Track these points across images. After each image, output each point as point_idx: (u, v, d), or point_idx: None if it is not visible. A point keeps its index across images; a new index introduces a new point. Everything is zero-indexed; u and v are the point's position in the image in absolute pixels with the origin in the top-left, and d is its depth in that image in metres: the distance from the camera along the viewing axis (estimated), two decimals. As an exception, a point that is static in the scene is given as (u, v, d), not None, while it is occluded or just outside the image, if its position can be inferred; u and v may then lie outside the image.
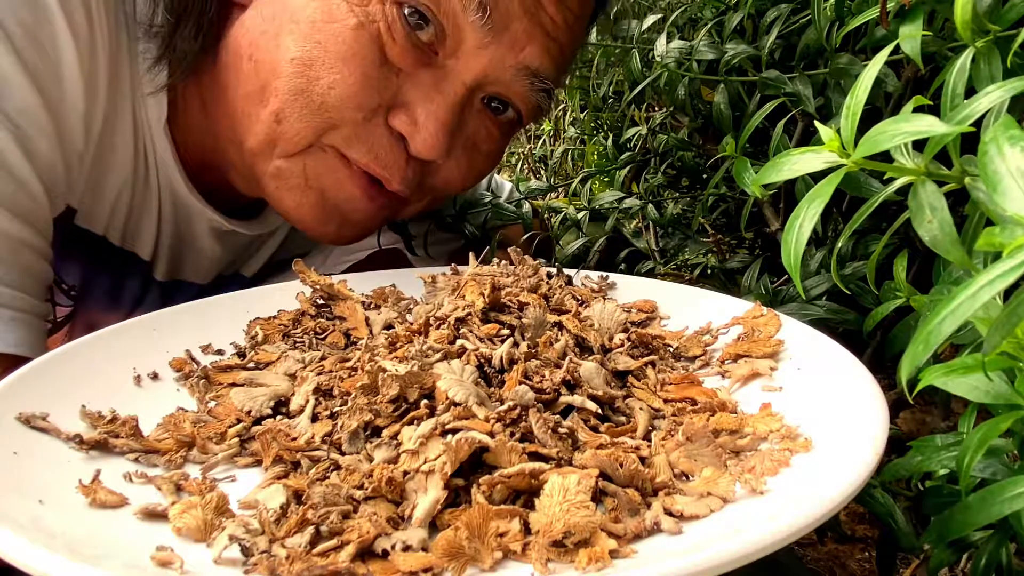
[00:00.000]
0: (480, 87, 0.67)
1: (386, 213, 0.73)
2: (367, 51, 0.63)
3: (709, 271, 1.09)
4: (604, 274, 0.71)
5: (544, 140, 1.99)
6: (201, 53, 0.68)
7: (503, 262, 0.67)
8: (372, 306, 0.65)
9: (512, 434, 0.43)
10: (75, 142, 0.66)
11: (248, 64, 0.66)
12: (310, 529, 0.37)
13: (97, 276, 0.80)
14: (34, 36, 0.61)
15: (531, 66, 0.67)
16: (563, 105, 1.88)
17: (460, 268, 0.69)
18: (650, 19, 0.93)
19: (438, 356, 0.49)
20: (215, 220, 0.80)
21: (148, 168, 0.74)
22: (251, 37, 0.66)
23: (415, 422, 0.44)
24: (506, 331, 0.54)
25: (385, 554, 0.37)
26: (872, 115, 0.59)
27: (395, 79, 0.65)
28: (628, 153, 1.14)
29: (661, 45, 0.86)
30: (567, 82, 1.35)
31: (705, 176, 1.07)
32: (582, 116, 1.54)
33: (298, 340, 0.61)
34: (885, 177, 0.41)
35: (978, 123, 0.38)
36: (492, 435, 0.42)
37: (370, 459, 0.43)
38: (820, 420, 0.45)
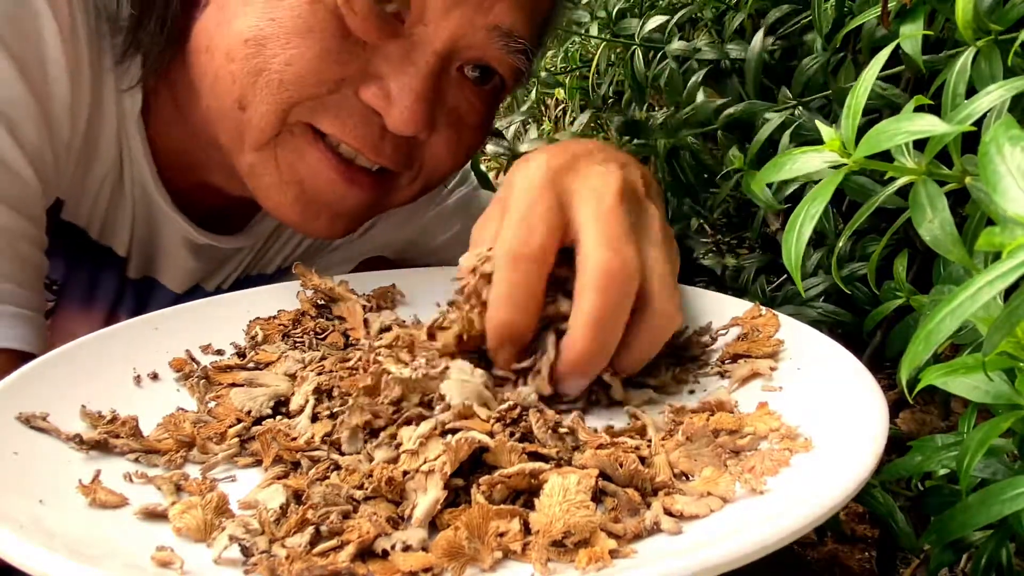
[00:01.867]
0: (453, 54, 0.64)
1: (376, 195, 0.70)
2: (325, 24, 0.61)
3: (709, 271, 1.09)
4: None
5: (544, 141, 1.99)
6: (169, 51, 0.67)
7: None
8: (372, 307, 0.65)
9: (512, 434, 0.43)
10: (62, 132, 0.66)
11: (205, 56, 0.65)
12: (310, 529, 0.37)
13: (77, 271, 0.79)
14: (18, 26, 0.60)
15: (502, 25, 0.63)
16: (563, 105, 1.88)
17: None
18: (655, 20, 0.92)
19: (444, 363, 0.49)
20: (188, 231, 0.78)
21: (123, 163, 0.73)
22: (208, 29, 0.65)
23: (415, 422, 0.44)
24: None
25: (385, 554, 0.37)
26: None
27: (362, 52, 0.62)
28: (628, 153, 1.14)
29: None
30: (568, 81, 1.35)
31: (706, 176, 1.07)
32: (582, 116, 1.53)
33: (298, 340, 0.61)
34: (886, 177, 0.41)
35: (979, 123, 0.39)
36: (492, 435, 0.42)
37: (370, 459, 0.43)
38: (820, 420, 0.45)
